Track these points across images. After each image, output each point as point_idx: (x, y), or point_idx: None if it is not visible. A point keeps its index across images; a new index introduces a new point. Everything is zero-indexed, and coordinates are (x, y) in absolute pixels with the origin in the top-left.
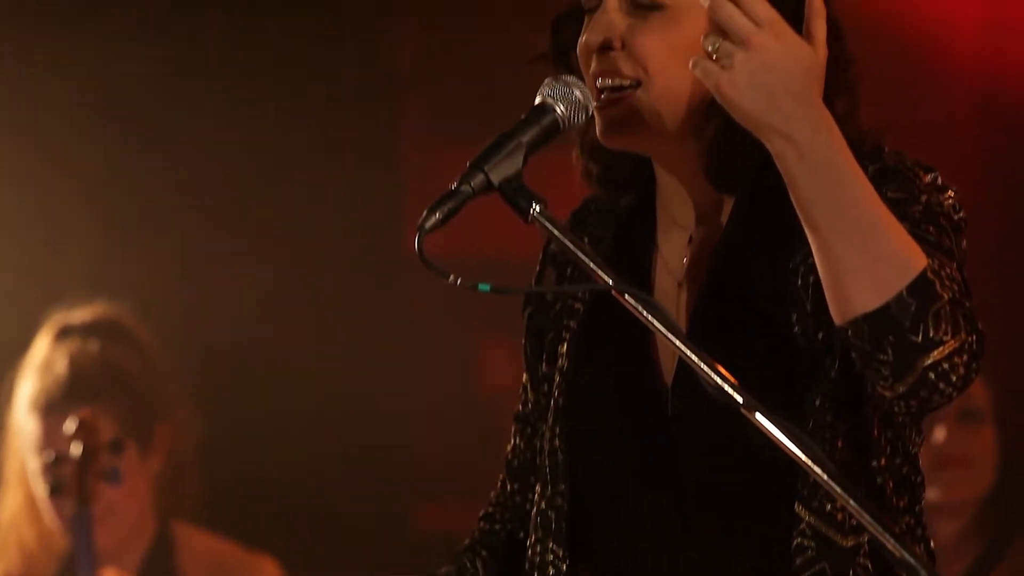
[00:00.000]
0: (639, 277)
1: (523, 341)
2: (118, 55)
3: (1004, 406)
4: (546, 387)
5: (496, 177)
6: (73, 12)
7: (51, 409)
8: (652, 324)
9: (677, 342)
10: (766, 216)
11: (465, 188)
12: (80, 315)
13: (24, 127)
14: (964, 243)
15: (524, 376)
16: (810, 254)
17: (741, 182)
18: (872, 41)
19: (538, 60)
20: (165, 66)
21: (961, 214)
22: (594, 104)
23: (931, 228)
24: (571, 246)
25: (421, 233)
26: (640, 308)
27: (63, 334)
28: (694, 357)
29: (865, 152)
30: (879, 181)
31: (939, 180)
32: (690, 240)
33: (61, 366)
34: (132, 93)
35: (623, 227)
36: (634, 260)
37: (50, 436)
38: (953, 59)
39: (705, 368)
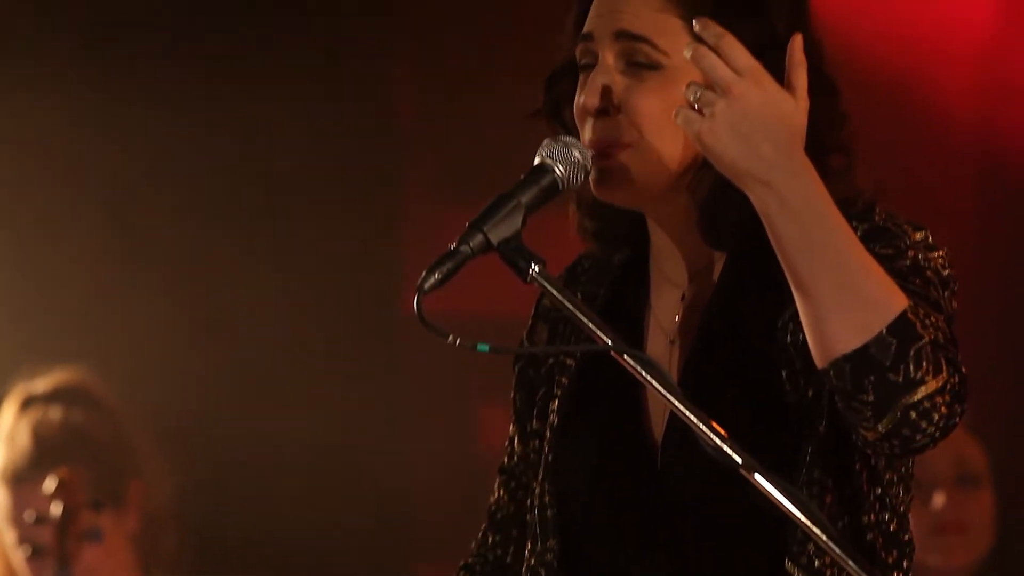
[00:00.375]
0: (632, 334)
1: (512, 395)
2: (105, 115)
3: (1002, 470)
4: (536, 443)
5: (495, 237)
6: (81, 74)
7: (20, 480)
8: (652, 384)
9: (676, 403)
10: (757, 274)
11: (464, 248)
12: (41, 384)
13: None
14: (954, 302)
15: (511, 428)
16: (795, 314)
17: (733, 238)
18: (869, 101)
19: (533, 116)
20: (157, 125)
21: (951, 271)
22: (590, 166)
23: (917, 280)
24: (569, 306)
25: (420, 293)
26: (639, 368)
27: (26, 404)
28: (693, 417)
29: (856, 212)
30: (869, 239)
31: (929, 239)
32: (683, 298)
33: (24, 436)
34: (114, 154)
35: (616, 284)
36: (627, 317)
37: (20, 507)
38: (952, 120)
39: (703, 428)
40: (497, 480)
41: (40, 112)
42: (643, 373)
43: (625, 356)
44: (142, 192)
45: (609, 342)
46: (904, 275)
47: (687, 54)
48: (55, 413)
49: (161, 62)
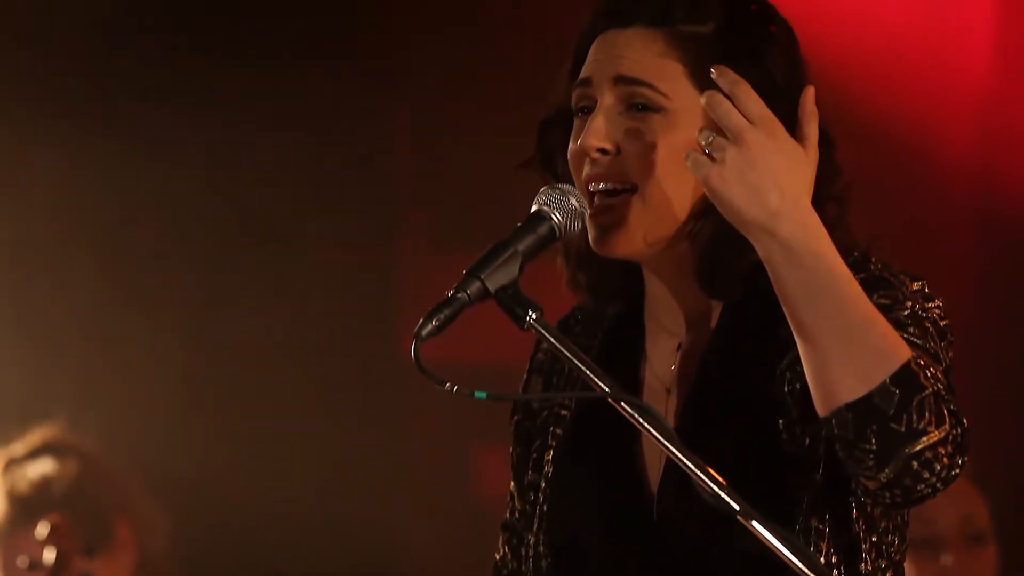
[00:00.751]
0: (628, 383)
1: (510, 449)
2: (99, 164)
3: (1003, 521)
4: (532, 495)
5: (492, 285)
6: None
7: (11, 529)
8: (649, 431)
9: (673, 449)
10: (754, 324)
11: (461, 296)
12: (20, 446)
13: None
14: (951, 353)
15: (512, 484)
16: (797, 360)
17: (731, 287)
18: (870, 150)
19: (525, 166)
20: (153, 174)
21: (947, 322)
22: (588, 211)
23: (916, 331)
24: (567, 354)
25: (418, 341)
26: (636, 416)
27: (5, 469)
28: (692, 466)
29: (853, 261)
30: (867, 288)
31: (926, 288)
32: (679, 347)
33: (11, 492)
34: (102, 203)
35: (610, 334)
36: (622, 367)
37: (13, 554)
38: (951, 169)
39: (701, 475)
40: (500, 537)
41: (36, 161)
42: (640, 420)
43: (622, 403)
44: (131, 240)
45: (607, 389)
46: (903, 325)
47: (702, 101)
48: (37, 468)
49: (159, 108)
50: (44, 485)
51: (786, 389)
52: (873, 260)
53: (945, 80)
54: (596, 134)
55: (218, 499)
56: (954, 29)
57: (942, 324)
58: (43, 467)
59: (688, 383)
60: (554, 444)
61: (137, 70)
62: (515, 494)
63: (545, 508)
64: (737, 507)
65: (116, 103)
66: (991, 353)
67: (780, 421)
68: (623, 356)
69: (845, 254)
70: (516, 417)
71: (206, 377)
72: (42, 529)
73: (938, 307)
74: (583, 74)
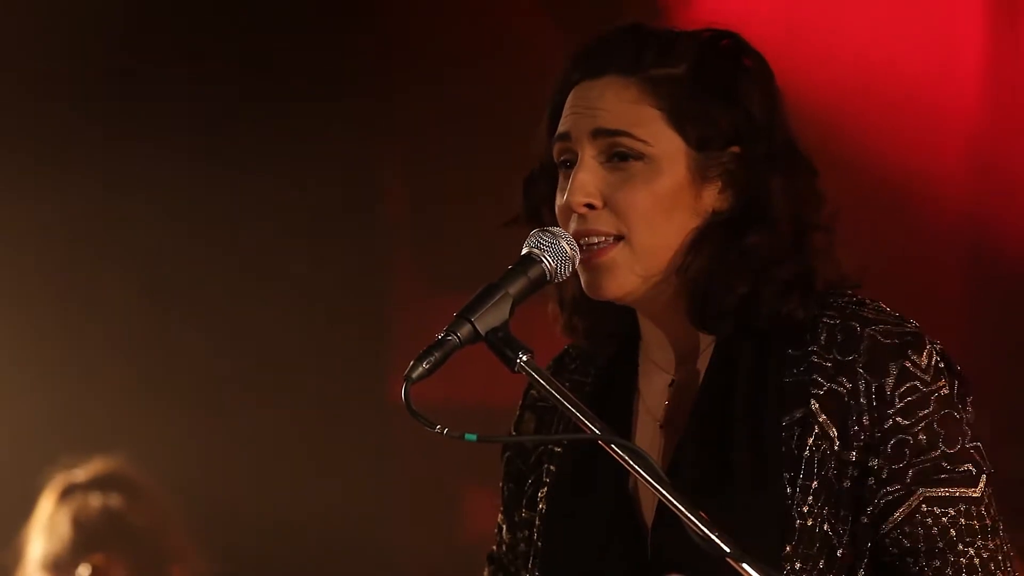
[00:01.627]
0: (621, 420)
1: (501, 484)
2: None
3: None
4: (526, 533)
5: (483, 327)
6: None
7: (60, 567)
8: (639, 474)
9: (663, 491)
10: (747, 360)
11: (452, 338)
12: (81, 473)
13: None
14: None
15: (500, 517)
16: (810, 422)
17: (722, 322)
18: (860, 186)
19: (512, 223)
20: (160, 215)
21: (970, 407)
22: (579, 255)
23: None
24: (557, 396)
25: (408, 383)
26: (626, 458)
27: (66, 493)
28: (680, 506)
29: (853, 312)
30: (927, 443)
31: (952, 379)
32: (671, 383)
33: (65, 526)
34: (136, 239)
35: (604, 372)
36: (616, 404)
37: None
38: (941, 205)
39: (691, 517)
40: (486, 569)
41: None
42: (630, 462)
43: (613, 446)
44: (173, 280)
45: (597, 431)
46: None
47: None
48: (95, 501)
49: (159, 148)
50: (101, 517)
51: (793, 444)
52: (867, 303)
53: (936, 112)
54: (581, 190)
55: (208, 532)
56: (944, 61)
57: (973, 433)
58: (101, 500)
59: (681, 419)
60: (548, 482)
61: (136, 109)
62: (503, 527)
63: (540, 545)
64: (728, 549)
65: (115, 141)
66: (981, 384)
67: (785, 475)
68: (617, 393)
69: (836, 290)
70: (508, 454)
71: (199, 416)
72: (84, 571)
73: (964, 397)
74: (561, 128)
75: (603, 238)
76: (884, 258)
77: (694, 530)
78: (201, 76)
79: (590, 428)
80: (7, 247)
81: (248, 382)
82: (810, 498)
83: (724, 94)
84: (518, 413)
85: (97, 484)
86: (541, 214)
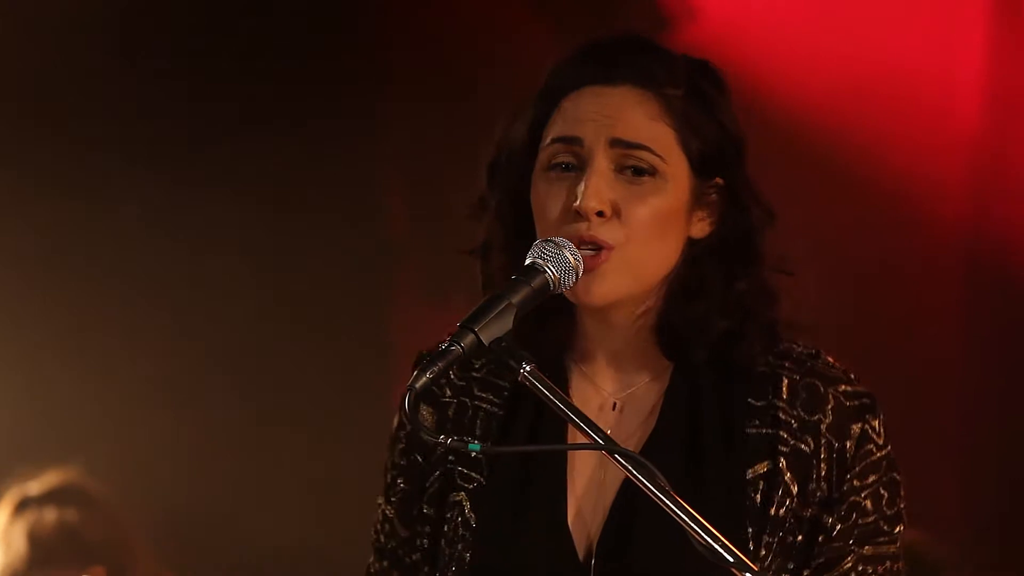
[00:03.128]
0: (555, 440)
1: (389, 474)
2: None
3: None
4: (427, 529)
5: (487, 337)
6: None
7: None
8: (643, 485)
9: (668, 502)
10: (709, 399)
11: (455, 348)
12: (36, 486)
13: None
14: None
15: (386, 508)
16: (777, 478)
17: (695, 352)
18: (859, 193)
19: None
20: (150, 233)
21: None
22: (582, 265)
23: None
24: (561, 405)
25: (411, 393)
26: (631, 468)
27: (21, 507)
28: (685, 518)
29: (811, 368)
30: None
31: (884, 425)
32: (614, 406)
33: (20, 539)
34: (103, 257)
35: (515, 398)
36: (548, 423)
37: None
38: (940, 211)
39: (697, 529)
40: (376, 563)
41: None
42: (635, 474)
43: (616, 455)
44: (133, 291)
45: (600, 441)
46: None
47: None
48: (50, 514)
49: (159, 175)
50: (57, 531)
51: (759, 501)
52: (818, 356)
53: (936, 114)
54: (597, 196)
55: (205, 545)
56: (945, 63)
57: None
58: (57, 513)
59: (630, 445)
60: (471, 488)
61: (132, 123)
62: (394, 520)
63: (468, 555)
64: (731, 559)
65: (113, 169)
66: (978, 393)
67: (749, 529)
68: (547, 411)
69: (785, 337)
70: (401, 445)
71: (196, 429)
72: None
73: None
74: (573, 131)
75: (599, 245)
76: (882, 258)
77: (699, 541)
78: (200, 91)
79: (595, 438)
80: None
81: (248, 396)
82: (763, 552)
83: (716, 121)
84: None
85: (53, 497)
86: (502, 207)
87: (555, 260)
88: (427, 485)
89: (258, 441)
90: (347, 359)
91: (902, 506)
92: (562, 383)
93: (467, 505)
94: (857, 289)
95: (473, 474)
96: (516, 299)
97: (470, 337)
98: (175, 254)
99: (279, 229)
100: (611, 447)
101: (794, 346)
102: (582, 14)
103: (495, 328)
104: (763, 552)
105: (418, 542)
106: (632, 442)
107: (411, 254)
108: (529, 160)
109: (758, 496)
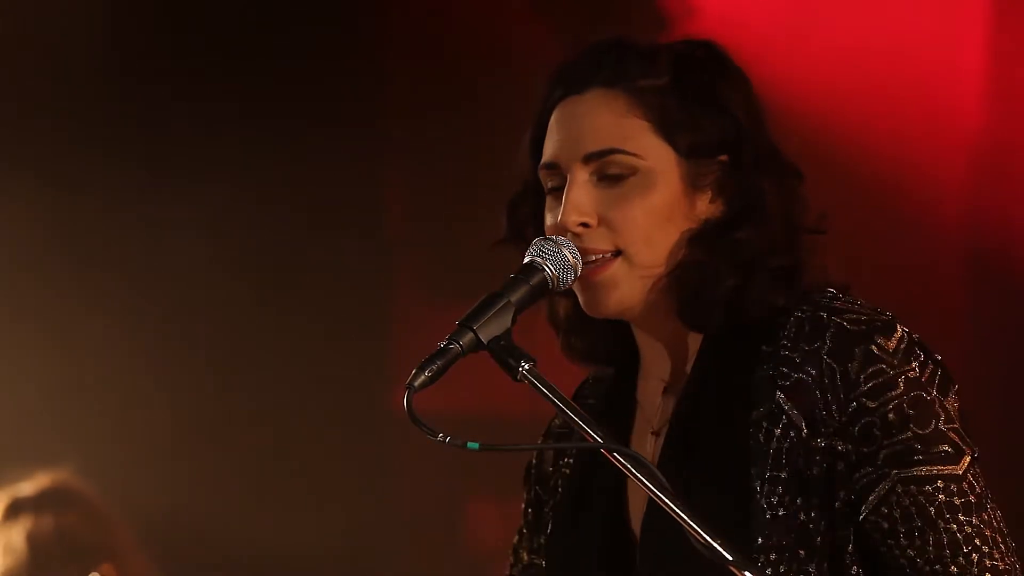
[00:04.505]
0: (620, 431)
1: (524, 507)
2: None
3: None
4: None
5: (485, 336)
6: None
7: None
8: (641, 482)
9: (666, 499)
10: (732, 359)
11: (454, 347)
12: (27, 487)
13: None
14: (957, 404)
15: (518, 541)
16: (777, 414)
17: (711, 315)
18: (860, 189)
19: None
20: (148, 228)
21: (950, 396)
22: (580, 265)
23: (945, 447)
24: (560, 405)
25: (410, 392)
26: (628, 466)
27: (14, 509)
28: (682, 514)
29: (825, 304)
30: (897, 425)
31: (922, 358)
32: (664, 389)
33: (20, 545)
34: (98, 250)
35: (610, 387)
36: (616, 414)
37: None
38: (942, 208)
39: (692, 524)
40: None
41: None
42: (633, 470)
43: (615, 453)
44: (131, 290)
45: (600, 439)
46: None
47: None
48: (45, 517)
49: (158, 176)
50: (54, 536)
51: (761, 438)
52: (844, 298)
53: (937, 112)
54: (576, 209)
55: (205, 546)
56: (944, 64)
57: (956, 407)
58: (52, 517)
59: (668, 424)
60: (553, 503)
61: (135, 137)
62: (523, 552)
63: (544, 563)
64: (730, 557)
65: (113, 168)
66: (978, 393)
67: (752, 468)
68: (618, 406)
69: (818, 289)
70: (530, 483)
71: (195, 430)
72: None
73: (941, 378)
74: (547, 157)
75: (599, 255)
76: (884, 258)
77: (696, 538)
78: (201, 91)
79: (593, 436)
80: None
81: (247, 396)
82: (779, 488)
83: (708, 102)
84: (541, 439)
85: (46, 500)
86: (525, 235)
87: (554, 258)
88: (544, 514)
89: (257, 441)
90: (347, 359)
91: (944, 427)
92: (633, 381)
93: (550, 519)
94: (857, 289)
95: (560, 488)
96: (514, 297)
97: (469, 335)
98: (174, 254)
99: (279, 229)
100: (610, 446)
101: (824, 294)
102: (582, 14)
103: (494, 326)
104: (776, 488)
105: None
106: (667, 417)
107: (411, 254)
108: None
109: (761, 434)
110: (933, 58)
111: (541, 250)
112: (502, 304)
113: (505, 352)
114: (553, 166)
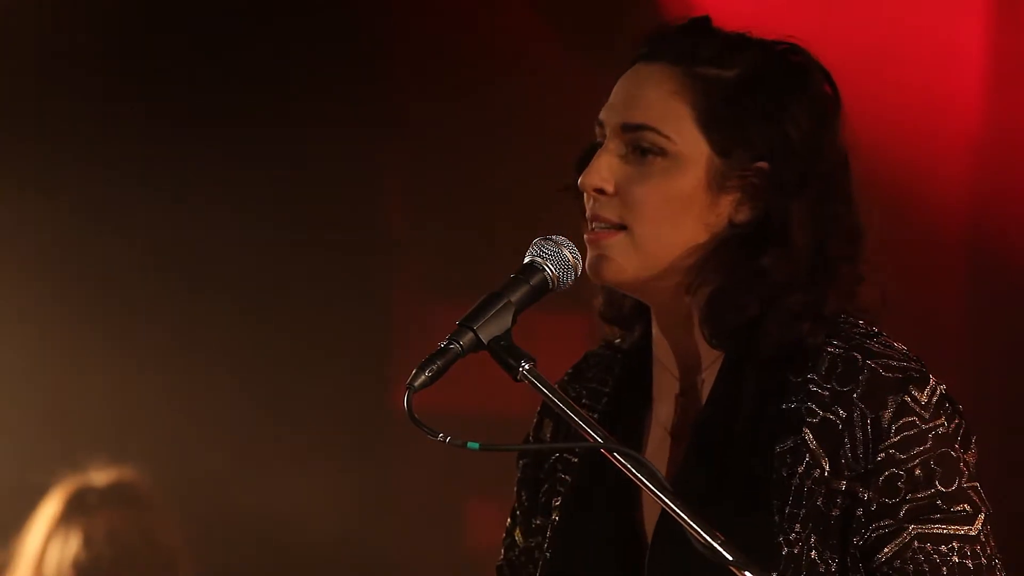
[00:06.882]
0: (633, 429)
1: (516, 489)
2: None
3: None
4: (539, 539)
5: (485, 336)
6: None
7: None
8: (641, 482)
9: (666, 499)
10: (752, 384)
11: (454, 347)
12: (94, 480)
13: (37, 282)
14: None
15: (510, 523)
16: (801, 450)
17: (732, 340)
18: (858, 183)
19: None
20: (163, 223)
21: (971, 450)
22: (581, 263)
23: (964, 506)
24: (560, 404)
25: (410, 392)
26: (629, 467)
27: (78, 500)
28: (683, 514)
29: (859, 344)
30: (923, 480)
31: (939, 401)
32: (682, 393)
33: (75, 542)
34: (116, 241)
35: (621, 380)
36: (629, 413)
37: None
38: (942, 211)
39: (693, 525)
40: (505, 571)
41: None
42: (633, 471)
43: (615, 454)
44: (136, 292)
45: (600, 439)
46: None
47: None
48: (105, 514)
49: (157, 183)
50: (109, 532)
51: (784, 473)
52: (876, 335)
53: (936, 118)
54: (597, 173)
55: (211, 531)
56: (946, 59)
57: (974, 461)
58: (110, 513)
59: (686, 432)
60: (562, 491)
61: (135, 137)
62: (515, 534)
63: (548, 556)
64: (731, 557)
65: (113, 167)
66: (978, 393)
67: (774, 502)
68: (630, 402)
69: (848, 318)
70: (524, 460)
71: (214, 422)
72: None
73: (963, 433)
74: (601, 115)
75: (606, 224)
76: (883, 258)
77: (697, 539)
78: (202, 91)
79: (593, 436)
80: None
81: (246, 396)
82: (797, 525)
83: (767, 109)
84: (536, 419)
85: (108, 498)
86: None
87: (554, 258)
88: (540, 496)
89: (256, 440)
90: (347, 359)
91: (968, 487)
92: (648, 376)
93: (557, 504)
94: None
95: (566, 476)
96: (515, 297)
97: (469, 335)
98: (174, 253)
99: (280, 229)
100: (609, 445)
101: (855, 326)
102: (584, 14)
103: (494, 326)
104: (794, 525)
105: (536, 554)
106: (687, 431)
107: (411, 254)
108: None
109: (785, 468)
110: (933, 58)
111: (541, 250)
112: (502, 304)
113: (505, 352)
114: (601, 124)
